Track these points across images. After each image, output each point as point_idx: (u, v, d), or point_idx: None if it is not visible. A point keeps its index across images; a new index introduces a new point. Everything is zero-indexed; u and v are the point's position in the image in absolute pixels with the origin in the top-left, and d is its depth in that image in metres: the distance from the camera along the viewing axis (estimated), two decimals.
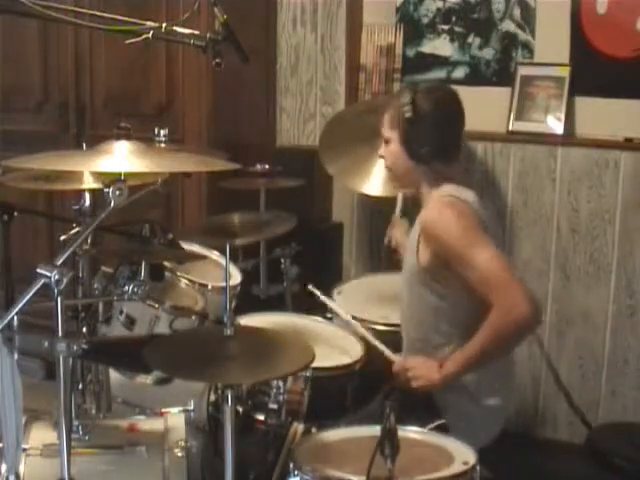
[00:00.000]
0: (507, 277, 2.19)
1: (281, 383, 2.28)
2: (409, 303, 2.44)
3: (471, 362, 2.24)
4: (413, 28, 3.66)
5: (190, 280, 2.78)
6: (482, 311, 2.22)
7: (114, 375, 2.53)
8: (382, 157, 2.50)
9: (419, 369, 2.31)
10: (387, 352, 2.46)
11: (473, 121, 3.34)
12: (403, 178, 2.48)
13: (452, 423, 2.32)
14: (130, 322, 2.51)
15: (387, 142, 2.43)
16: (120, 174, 1.79)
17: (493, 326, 2.19)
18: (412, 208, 2.67)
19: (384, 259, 2.98)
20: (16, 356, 1.90)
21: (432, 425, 2.22)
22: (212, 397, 2.43)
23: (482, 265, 2.20)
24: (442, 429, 2.21)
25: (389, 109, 2.42)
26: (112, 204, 1.77)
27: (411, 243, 2.42)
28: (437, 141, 2.35)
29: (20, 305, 1.72)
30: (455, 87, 3.47)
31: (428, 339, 2.39)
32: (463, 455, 1.93)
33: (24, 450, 2.03)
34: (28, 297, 1.71)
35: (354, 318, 2.66)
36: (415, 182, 2.44)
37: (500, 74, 3.52)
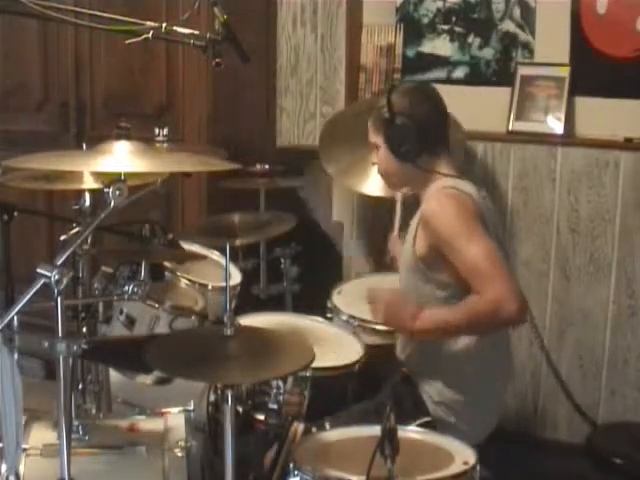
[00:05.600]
0: (498, 271, 2.20)
1: (281, 383, 2.28)
2: (406, 294, 2.45)
3: (438, 331, 2.28)
4: (413, 28, 3.66)
5: (190, 280, 2.78)
6: None
7: (114, 375, 2.54)
8: (375, 164, 2.52)
9: (395, 311, 2.33)
10: None
11: (473, 121, 3.38)
12: (396, 180, 2.50)
13: (442, 418, 2.33)
14: (130, 322, 2.51)
15: (376, 148, 2.45)
16: (120, 174, 1.79)
17: (474, 311, 2.21)
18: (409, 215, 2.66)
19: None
20: (16, 356, 1.90)
21: (419, 421, 2.23)
22: (212, 397, 2.43)
23: (474, 256, 2.21)
24: (429, 426, 2.22)
25: (371, 115, 2.45)
26: (112, 204, 1.77)
27: (410, 233, 2.43)
28: (417, 138, 2.35)
29: (20, 305, 1.72)
30: (455, 87, 3.55)
31: None
32: (463, 455, 1.93)
33: (24, 450, 2.03)
34: (28, 297, 1.71)
35: (354, 318, 2.66)
36: (407, 182, 2.47)
37: (500, 74, 3.52)
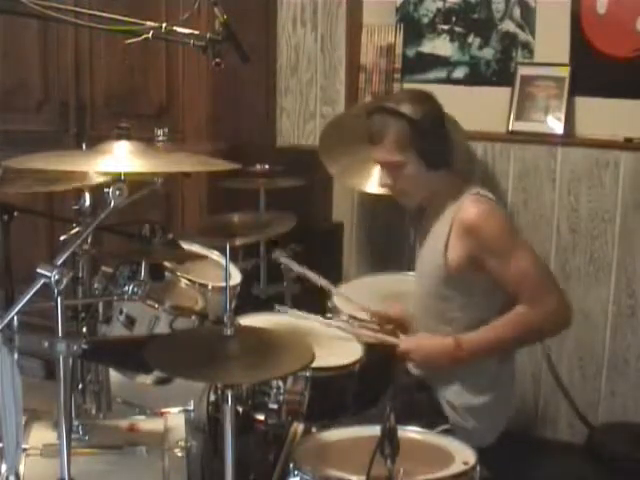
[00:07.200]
0: (550, 282, 2.27)
1: (281, 383, 2.28)
2: (427, 304, 2.43)
3: (485, 352, 2.29)
4: (413, 28, 3.66)
5: (190, 280, 2.77)
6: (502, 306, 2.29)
7: (114, 375, 2.53)
8: (388, 186, 2.41)
9: (433, 349, 2.33)
10: (388, 339, 2.45)
11: (473, 121, 3.38)
12: (423, 192, 2.39)
13: (460, 423, 2.34)
14: (130, 322, 2.51)
15: (399, 167, 2.34)
16: (120, 174, 1.79)
17: (524, 324, 2.24)
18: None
19: None
20: (16, 356, 1.90)
21: (438, 429, 2.23)
22: (212, 397, 2.43)
23: (525, 267, 2.24)
24: (449, 433, 2.22)
25: (386, 137, 2.32)
26: (112, 204, 1.77)
27: (436, 243, 2.36)
28: (446, 140, 2.35)
29: (20, 305, 1.72)
30: (455, 87, 3.56)
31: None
32: (463, 455, 1.94)
33: (24, 450, 2.03)
34: (28, 297, 1.71)
35: (354, 318, 2.66)
36: (434, 191, 2.38)
37: (500, 74, 3.52)
